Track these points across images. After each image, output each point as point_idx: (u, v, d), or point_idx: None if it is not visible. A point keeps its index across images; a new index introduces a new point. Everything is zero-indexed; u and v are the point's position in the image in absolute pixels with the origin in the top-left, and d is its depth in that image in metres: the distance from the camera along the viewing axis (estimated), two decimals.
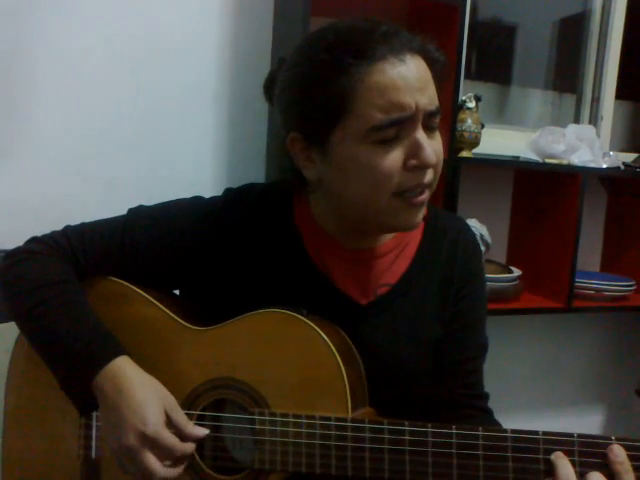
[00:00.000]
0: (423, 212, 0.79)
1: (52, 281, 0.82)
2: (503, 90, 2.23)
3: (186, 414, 0.78)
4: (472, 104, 1.67)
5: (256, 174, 1.61)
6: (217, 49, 1.58)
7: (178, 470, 0.75)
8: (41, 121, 1.45)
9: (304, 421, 0.75)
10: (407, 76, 0.71)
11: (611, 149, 2.11)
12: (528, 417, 2.09)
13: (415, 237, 0.90)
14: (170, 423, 0.75)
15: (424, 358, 0.87)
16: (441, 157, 0.77)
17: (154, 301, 0.85)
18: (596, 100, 2.16)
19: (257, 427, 0.77)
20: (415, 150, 0.73)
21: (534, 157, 1.81)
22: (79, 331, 0.78)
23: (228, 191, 0.91)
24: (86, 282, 0.86)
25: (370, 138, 0.72)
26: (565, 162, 1.78)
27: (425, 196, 0.77)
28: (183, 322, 0.84)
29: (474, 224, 1.64)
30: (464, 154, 1.67)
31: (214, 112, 1.60)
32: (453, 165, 1.53)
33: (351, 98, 0.71)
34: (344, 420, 0.73)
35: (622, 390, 2.23)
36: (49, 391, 0.82)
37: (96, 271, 0.87)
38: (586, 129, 1.89)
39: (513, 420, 1.33)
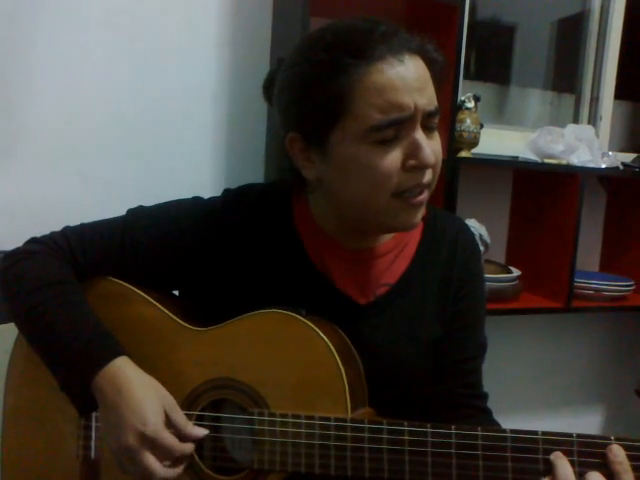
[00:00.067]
0: (422, 212, 0.79)
1: (51, 281, 0.82)
2: (502, 90, 2.23)
3: (185, 414, 0.78)
4: (471, 104, 1.67)
5: (255, 174, 1.61)
6: (216, 49, 1.58)
7: (177, 470, 0.75)
8: (41, 121, 1.44)
9: (303, 421, 0.75)
10: (406, 76, 0.71)
11: (610, 149, 2.10)
12: (527, 417, 2.09)
13: (414, 237, 0.90)
14: (169, 423, 0.75)
15: (423, 358, 0.88)
16: (440, 157, 0.77)
17: (154, 301, 0.85)
18: (595, 100, 2.15)
19: (256, 427, 0.77)
20: (414, 150, 0.73)
21: (533, 157, 1.81)
22: (78, 331, 0.78)
23: (227, 192, 0.91)
24: (86, 283, 0.86)
25: (369, 138, 0.72)
26: (564, 162, 1.77)
27: (424, 196, 0.77)
28: (183, 322, 0.84)
29: (473, 224, 1.64)
30: (463, 154, 1.67)
31: (213, 112, 1.59)
32: (452, 165, 1.53)
33: (350, 98, 0.71)
34: (343, 420, 0.73)
35: (621, 390, 2.22)
36: (48, 391, 0.82)
37: (95, 271, 0.87)
38: (585, 129, 1.89)
39: (512, 420, 1.33)
